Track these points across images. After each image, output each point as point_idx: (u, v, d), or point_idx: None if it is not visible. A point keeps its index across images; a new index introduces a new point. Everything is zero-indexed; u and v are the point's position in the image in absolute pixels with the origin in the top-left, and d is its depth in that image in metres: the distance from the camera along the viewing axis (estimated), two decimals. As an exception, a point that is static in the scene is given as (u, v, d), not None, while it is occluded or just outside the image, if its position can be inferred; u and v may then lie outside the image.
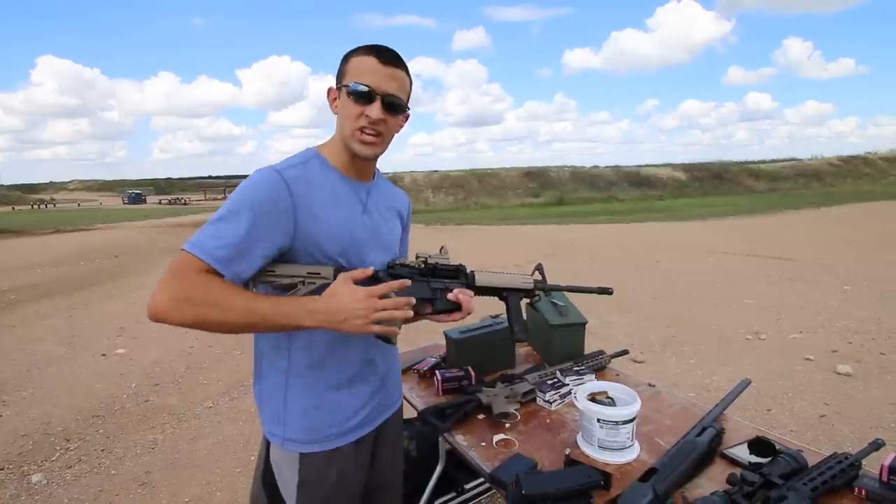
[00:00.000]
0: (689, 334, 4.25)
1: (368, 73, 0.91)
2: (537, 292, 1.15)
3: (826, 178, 29.33)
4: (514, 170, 30.24)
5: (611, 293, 1.22)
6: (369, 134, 0.92)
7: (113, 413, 3.13)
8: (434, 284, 1.02)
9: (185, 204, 38.17)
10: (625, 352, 1.79)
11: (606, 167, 32.98)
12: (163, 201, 43.24)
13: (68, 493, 2.31)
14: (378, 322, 0.84)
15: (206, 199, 46.04)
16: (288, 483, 0.97)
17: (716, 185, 27.53)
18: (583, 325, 1.76)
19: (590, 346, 1.80)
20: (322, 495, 0.97)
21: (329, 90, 0.98)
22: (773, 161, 37.35)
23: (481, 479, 2.00)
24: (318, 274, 0.90)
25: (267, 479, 0.99)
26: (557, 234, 12.17)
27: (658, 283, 6.23)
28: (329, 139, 1.01)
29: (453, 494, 2.08)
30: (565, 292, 1.26)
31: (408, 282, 0.92)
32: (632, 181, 27.46)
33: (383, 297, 0.85)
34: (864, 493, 0.97)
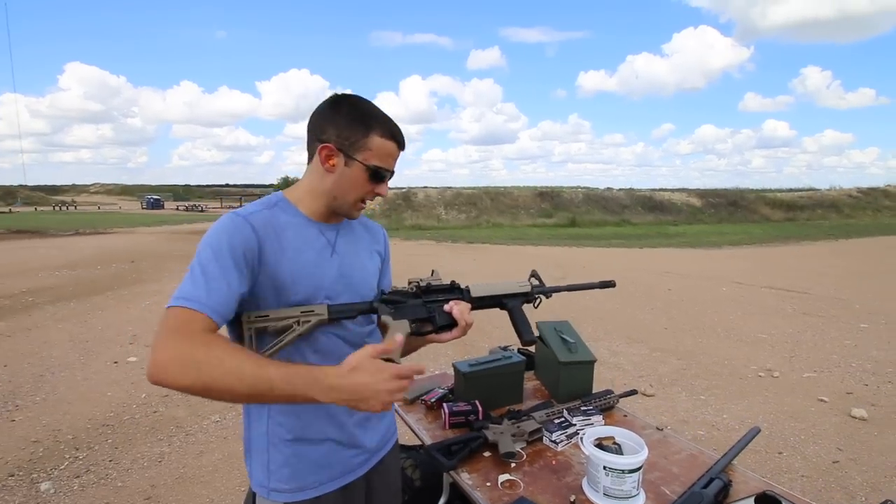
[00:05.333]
0: (700, 368, 4.20)
1: (390, 157, 0.96)
2: (536, 295, 1.15)
3: (845, 209, 28.93)
4: (527, 189, 30.36)
5: (613, 286, 1.22)
6: (367, 202, 0.99)
7: (122, 423, 3.17)
8: (429, 303, 1.02)
9: (201, 211, 38.85)
10: (633, 392, 1.78)
11: (620, 190, 32.96)
12: (180, 207, 44.08)
13: (75, 503, 2.34)
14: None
15: (222, 207, 46.82)
16: None
17: (731, 213, 27.30)
18: (592, 363, 1.76)
19: (598, 376, 1.80)
20: None
21: (323, 147, 0.92)
22: (791, 190, 36.98)
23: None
24: (312, 311, 0.90)
25: None
26: (569, 256, 12.14)
27: (669, 313, 6.17)
28: (298, 186, 0.99)
29: (456, 526, 2.07)
30: (564, 290, 1.23)
31: (424, 367, 0.89)
32: (645, 205, 27.35)
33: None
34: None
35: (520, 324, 1.11)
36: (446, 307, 1.01)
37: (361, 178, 0.94)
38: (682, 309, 6.38)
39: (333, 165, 0.93)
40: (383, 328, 0.99)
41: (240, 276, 0.85)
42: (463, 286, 1.08)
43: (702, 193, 30.77)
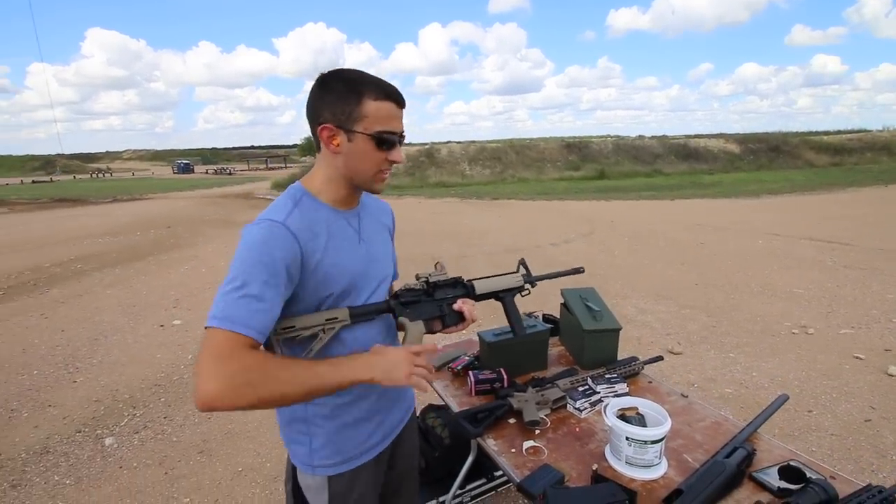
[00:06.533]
0: (730, 325, 4.14)
1: (391, 119, 0.91)
2: (526, 286, 1.24)
3: (898, 152, 26.90)
4: (554, 140, 29.40)
5: (582, 272, 1.38)
6: (387, 172, 0.97)
7: (173, 383, 3.41)
8: (439, 301, 1.09)
9: (229, 174, 39.56)
10: (658, 358, 1.78)
11: (653, 138, 31.52)
12: (209, 171, 44.94)
13: (136, 456, 2.58)
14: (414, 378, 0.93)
15: (248, 170, 47.49)
16: (318, 501, 1.05)
17: (772, 159, 25.80)
18: (617, 331, 1.76)
19: (625, 334, 1.82)
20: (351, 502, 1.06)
21: (323, 129, 0.90)
22: (839, 132, 34.48)
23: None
24: (336, 318, 0.94)
25: (298, 495, 1.07)
26: (597, 210, 11.87)
27: (701, 268, 6.03)
28: (314, 176, 0.98)
29: (483, 480, 2.18)
30: (553, 278, 1.37)
31: (436, 347, 1.02)
32: (679, 154, 26.13)
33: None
34: (896, 532, 0.96)
35: (512, 317, 1.23)
36: (456, 305, 1.09)
37: (369, 148, 0.91)
38: (715, 264, 6.22)
39: (338, 145, 0.91)
40: (400, 327, 1.07)
41: (283, 293, 0.86)
42: (466, 281, 1.15)
43: (741, 139, 29.09)
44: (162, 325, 4.56)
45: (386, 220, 1.15)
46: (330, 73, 0.92)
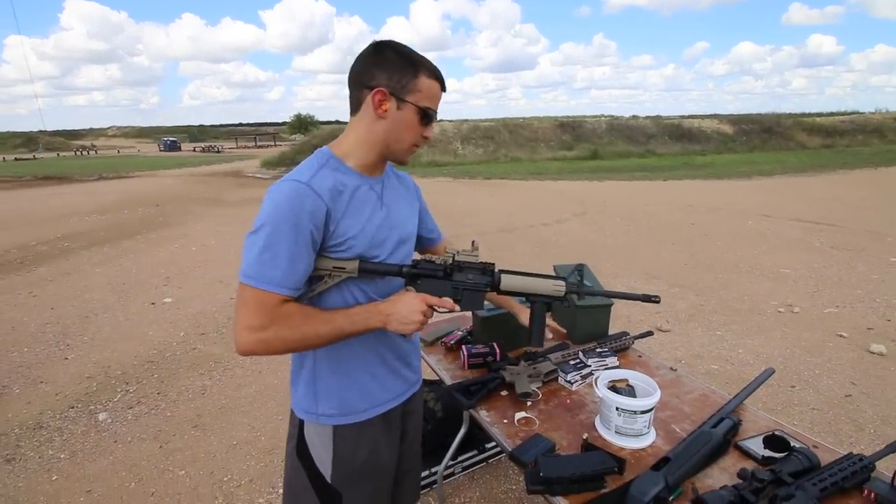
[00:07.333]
0: (718, 304, 4.21)
1: (436, 99, 0.99)
2: (568, 297, 1.11)
3: (889, 135, 27.06)
4: (548, 119, 29.16)
5: (657, 301, 1.13)
6: (418, 146, 1.02)
7: (165, 359, 3.41)
8: (456, 284, 1.04)
9: (218, 152, 38.82)
10: (648, 333, 1.81)
11: (647, 118, 31.35)
12: (197, 149, 44.08)
13: (131, 431, 2.59)
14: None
15: (237, 147, 46.66)
16: (323, 458, 1.06)
17: (765, 140, 25.86)
18: (608, 306, 1.78)
19: (616, 312, 1.85)
20: (355, 467, 1.06)
21: (377, 92, 0.93)
22: (832, 114, 34.56)
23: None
24: (343, 269, 0.96)
25: (302, 452, 1.07)
26: (590, 191, 11.88)
27: (691, 248, 6.09)
28: (345, 139, 1.01)
29: (475, 452, 2.23)
30: (601, 295, 1.21)
31: (455, 306, 1.01)
32: (673, 134, 26.08)
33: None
34: (873, 496, 1.00)
35: (535, 324, 1.12)
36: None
37: (413, 120, 0.96)
38: (705, 244, 6.28)
39: (386, 111, 0.95)
40: None
41: (312, 251, 0.92)
42: (496, 270, 1.06)
43: (734, 120, 29.05)
44: (153, 303, 4.53)
45: (409, 191, 1.17)
46: (385, 41, 0.98)
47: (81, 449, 2.44)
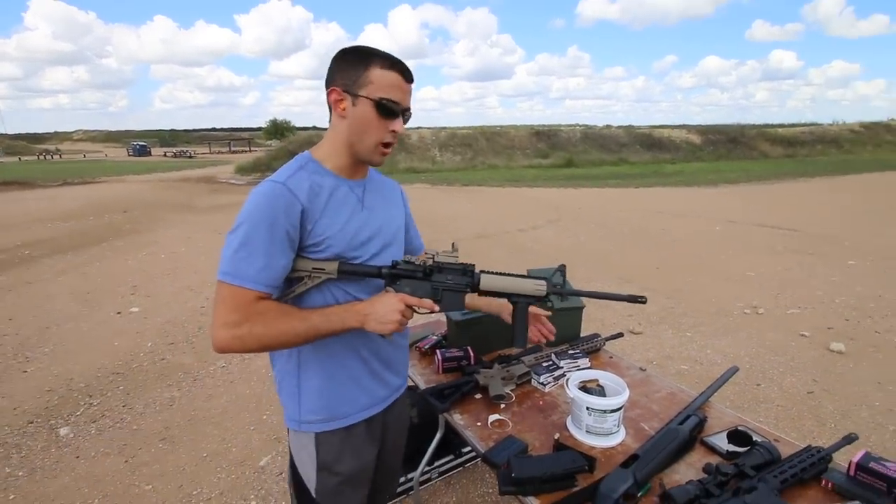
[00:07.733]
0: (687, 306, 4.33)
1: (395, 89, 0.95)
2: (550, 297, 1.10)
3: (845, 145, 28.46)
4: (524, 128, 29.57)
5: (644, 302, 1.13)
6: (388, 146, 0.99)
7: (132, 370, 3.29)
8: (436, 284, 1.04)
9: (190, 157, 37.90)
10: (619, 335, 1.85)
11: (619, 127, 32.16)
12: (168, 154, 42.94)
13: (94, 445, 2.49)
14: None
15: (211, 153, 45.67)
16: (308, 469, 1.05)
17: (731, 150, 26.83)
18: (581, 309, 1.81)
19: (588, 315, 1.87)
20: (339, 476, 1.06)
21: (332, 91, 0.96)
22: (793, 125, 36.19)
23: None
24: (323, 270, 0.97)
25: (294, 476, 1.08)
26: (565, 198, 12.07)
27: (662, 253, 6.26)
28: (322, 144, 1.03)
29: (451, 457, 2.23)
30: (586, 296, 1.19)
31: (435, 306, 1.00)
32: (644, 143, 26.80)
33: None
34: (830, 486, 1.04)
35: (518, 325, 1.11)
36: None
37: (371, 114, 0.95)
38: (675, 249, 6.46)
39: (344, 109, 0.96)
40: None
41: (290, 249, 0.93)
42: (476, 271, 1.07)
43: (702, 130, 30.08)
44: (119, 313, 4.37)
45: (395, 197, 1.17)
46: (350, 46, 1.00)
47: (41, 466, 2.33)
